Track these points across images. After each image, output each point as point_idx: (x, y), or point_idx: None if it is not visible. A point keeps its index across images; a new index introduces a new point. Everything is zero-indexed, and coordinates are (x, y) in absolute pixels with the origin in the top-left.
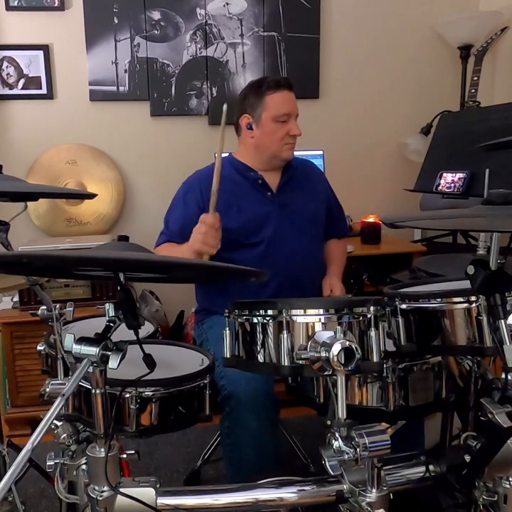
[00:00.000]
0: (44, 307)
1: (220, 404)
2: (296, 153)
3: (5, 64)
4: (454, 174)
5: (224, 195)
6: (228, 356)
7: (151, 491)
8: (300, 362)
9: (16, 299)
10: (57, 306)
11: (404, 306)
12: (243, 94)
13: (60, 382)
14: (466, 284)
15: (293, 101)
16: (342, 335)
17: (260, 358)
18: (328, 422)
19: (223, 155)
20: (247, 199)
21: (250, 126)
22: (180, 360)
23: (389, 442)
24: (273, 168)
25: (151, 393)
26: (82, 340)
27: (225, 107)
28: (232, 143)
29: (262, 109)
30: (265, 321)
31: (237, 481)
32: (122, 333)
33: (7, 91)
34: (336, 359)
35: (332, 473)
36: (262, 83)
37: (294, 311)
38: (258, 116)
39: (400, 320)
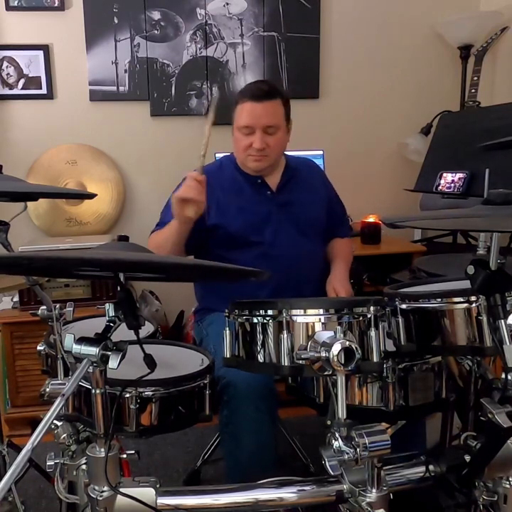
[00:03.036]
0: (44, 307)
1: (219, 393)
2: (296, 152)
3: (5, 64)
4: (454, 174)
5: (224, 194)
6: (228, 356)
7: (151, 491)
8: (300, 362)
9: (16, 299)
10: (57, 306)
11: (404, 306)
12: None
13: (60, 382)
14: (466, 284)
15: (261, 113)
16: (342, 335)
17: (260, 358)
18: (328, 422)
19: (225, 154)
20: (247, 198)
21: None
22: (180, 360)
23: (389, 442)
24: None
25: (151, 393)
26: (82, 340)
27: (214, 90)
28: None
29: (234, 116)
30: (265, 321)
31: (235, 472)
32: (122, 333)
33: (7, 91)
34: (336, 359)
35: (332, 473)
36: (242, 90)
37: (294, 311)
38: (233, 123)
39: (400, 320)
